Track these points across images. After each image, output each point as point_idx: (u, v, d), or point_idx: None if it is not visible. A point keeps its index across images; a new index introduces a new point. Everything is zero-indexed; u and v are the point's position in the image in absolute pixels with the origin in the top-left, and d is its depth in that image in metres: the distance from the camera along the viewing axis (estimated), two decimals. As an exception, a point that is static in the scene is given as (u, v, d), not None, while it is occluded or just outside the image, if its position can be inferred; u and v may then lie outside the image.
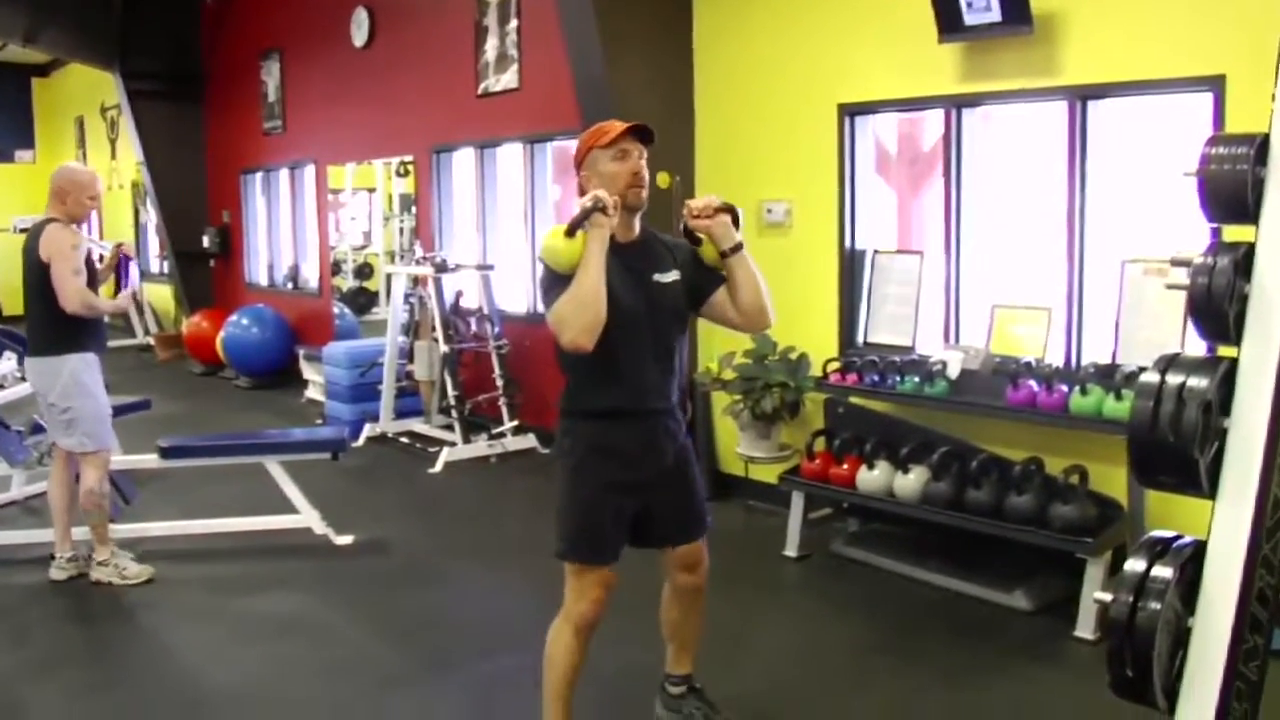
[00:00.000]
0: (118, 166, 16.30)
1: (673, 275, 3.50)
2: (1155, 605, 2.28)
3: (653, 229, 3.58)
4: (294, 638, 4.92)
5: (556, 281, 3.28)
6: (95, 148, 17.14)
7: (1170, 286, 2.59)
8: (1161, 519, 4.44)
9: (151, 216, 14.64)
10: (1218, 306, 2.39)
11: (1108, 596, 2.37)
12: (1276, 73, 2.48)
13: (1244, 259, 2.41)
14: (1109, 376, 4.72)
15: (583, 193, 3.39)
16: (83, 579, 5.55)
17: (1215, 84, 4.56)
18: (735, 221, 3.48)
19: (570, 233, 3.22)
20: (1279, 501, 2.34)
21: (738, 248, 3.46)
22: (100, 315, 5.45)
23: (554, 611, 3.51)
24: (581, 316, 3.21)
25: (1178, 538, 2.42)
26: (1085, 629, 4.61)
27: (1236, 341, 2.41)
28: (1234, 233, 2.61)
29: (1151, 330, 4.79)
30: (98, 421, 5.48)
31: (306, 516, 6.11)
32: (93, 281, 5.47)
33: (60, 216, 5.40)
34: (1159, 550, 2.37)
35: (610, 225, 3.27)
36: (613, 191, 3.33)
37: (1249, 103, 4.34)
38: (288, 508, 6.12)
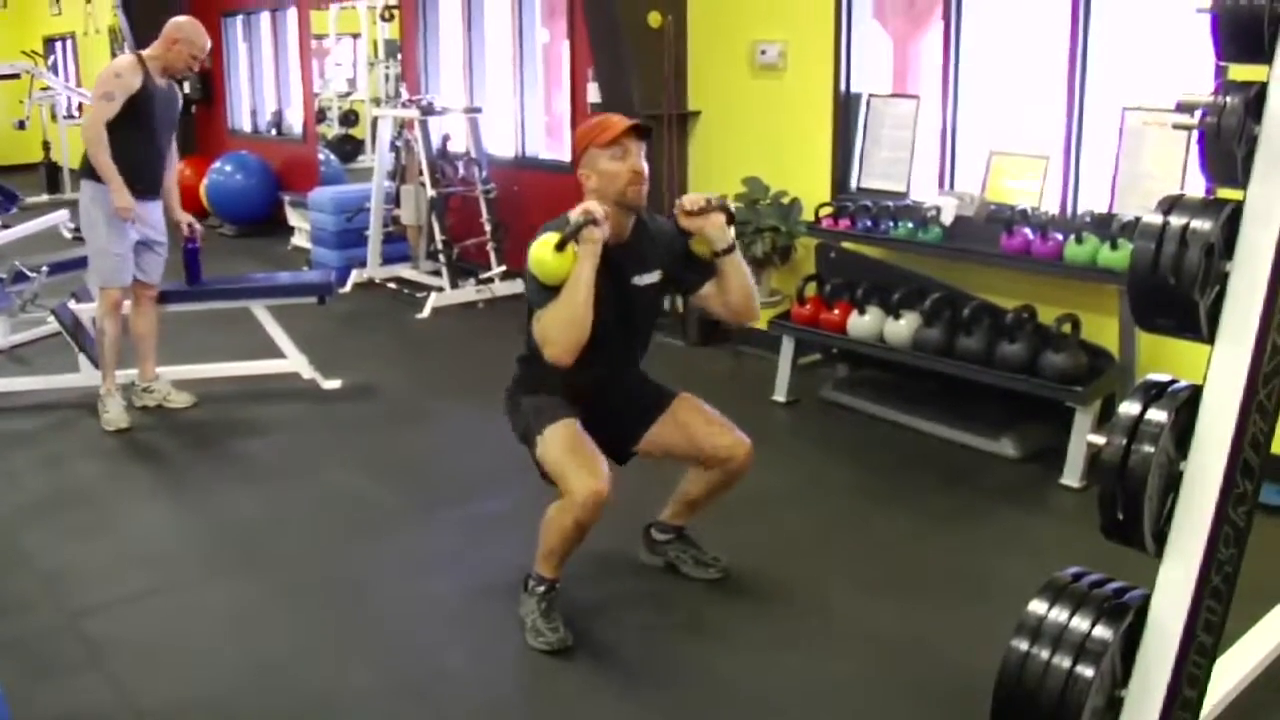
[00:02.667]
0: (93, 11, 15.86)
1: (653, 276, 3.52)
2: (1149, 448, 2.27)
3: (646, 217, 3.52)
4: (285, 479, 4.95)
5: (543, 288, 3.26)
6: (70, -9, 16.70)
7: (1177, 126, 2.53)
8: (1152, 370, 4.42)
9: (130, 61, 14.30)
10: (1226, 146, 2.33)
11: (1100, 439, 2.36)
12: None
13: (1255, 99, 2.34)
14: (1105, 226, 4.66)
15: (581, 189, 3.39)
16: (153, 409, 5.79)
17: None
18: (729, 219, 3.47)
19: (561, 246, 3.18)
20: (1277, 347, 2.31)
21: (730, 249, 3.46)
22: (97, 164, 5.33)
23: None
24: (566, 334, 3.22)
25: (1173, 382, 2.40)
26: (1072, 477, 4.64)
27: (1243, 184, 2.35)
28: (1240, 75, 2.54)
29: (1149, 180, 4.72)
30: (101, 257, 5.48)
31: (294, 361, 6.09)
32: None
33: (156, 56, 5.37)
34: (1154, 393, 2.35)
35: (602, 236, 3.23)
36: (612, 190, 3.32)
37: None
38: (276, 353, 6.10)
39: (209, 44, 5.54)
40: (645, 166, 3.39)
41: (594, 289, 3.22)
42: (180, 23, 5.38)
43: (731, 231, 3.48)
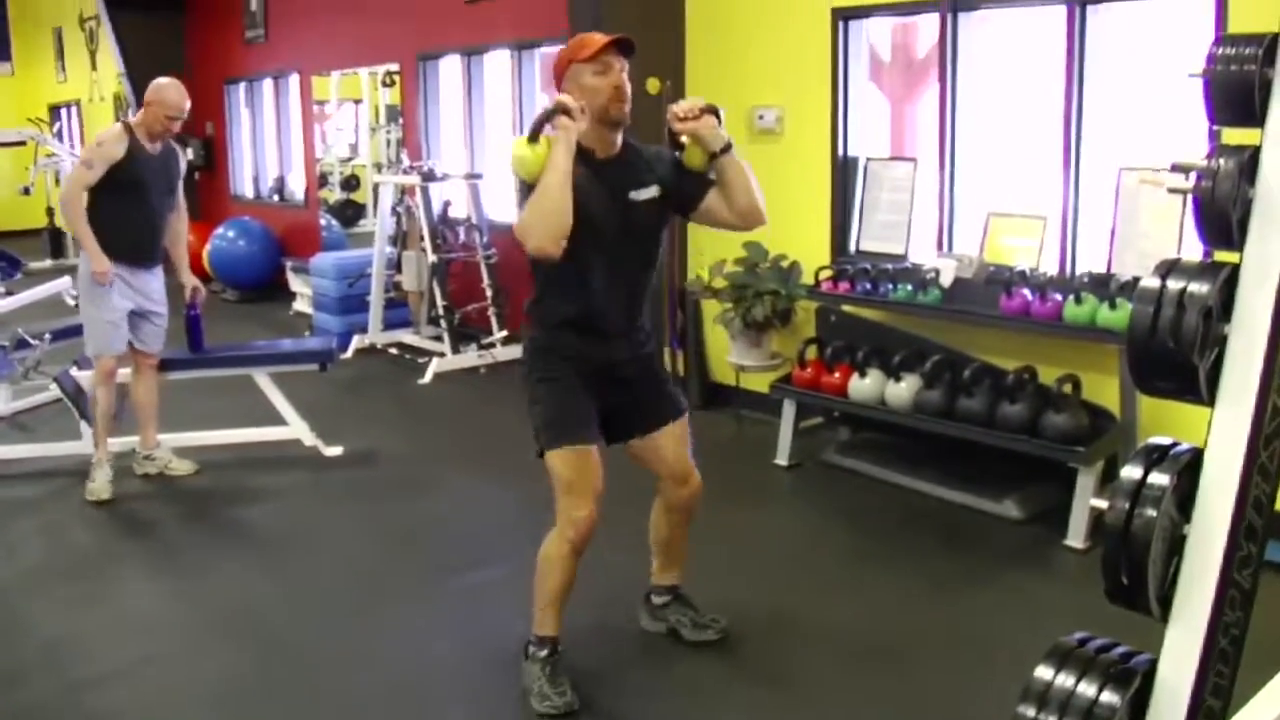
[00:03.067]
0: (98, 79, 16.02)
1: (651, 192, 3.46)
2: (1152, 512, 2.25)
3: (635, 141, 3.51)
4: (284, 548, 4.93)
5: (526, 190, 3.25)
6: (74, 60, 16.84)
7: (1172, 190, 2.53)
8: (1153, 430, 4.41)
9: (134, 129, 14.43)
10: (1222, 209, 2.34)
11: (1104, 503, 2.34)
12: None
13: (1249, 162, 2.35)
14: (1103, 285, 4.68)
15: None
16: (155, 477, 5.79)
17: (1218, -16, 4.47)
18: (719, 121, 3.43)
19: (533, 138, 3.18)
20: (1277, 409, 2.31)
21: (728, 148, 3.41)
22: (73, 230, 5.39)
23: (543, 521, 3.51)
24: (545, 222, 3.19)
25: (1175, 444, 2.39)
26: (1076, 538, 4.62)
27: (1239, 246, 2.36)
28: (1233, 138, 2.56)
29: (1146, 240, 4.74)
30: (91, 324, 5.51)
31: (296, 428, 6.09)
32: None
33: (140, 122, 5.43)
34: (1156, 457, 2.34)
35: (577, 130, 3.22)
36: (594, 105, 3.30)
37: (1250, 6, 4.27)
38: (277, 419, 6.09)
39: (187, 104, 5.51)
40: (628, 83, 3.36)
41: (591, 206, 3.25)
42: (158, 84, 5.41)
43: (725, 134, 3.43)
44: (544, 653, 3.50)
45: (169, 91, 5.39)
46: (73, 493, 5.60)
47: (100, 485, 5.48)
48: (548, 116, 3.20)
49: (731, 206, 3.47)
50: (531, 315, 3.54)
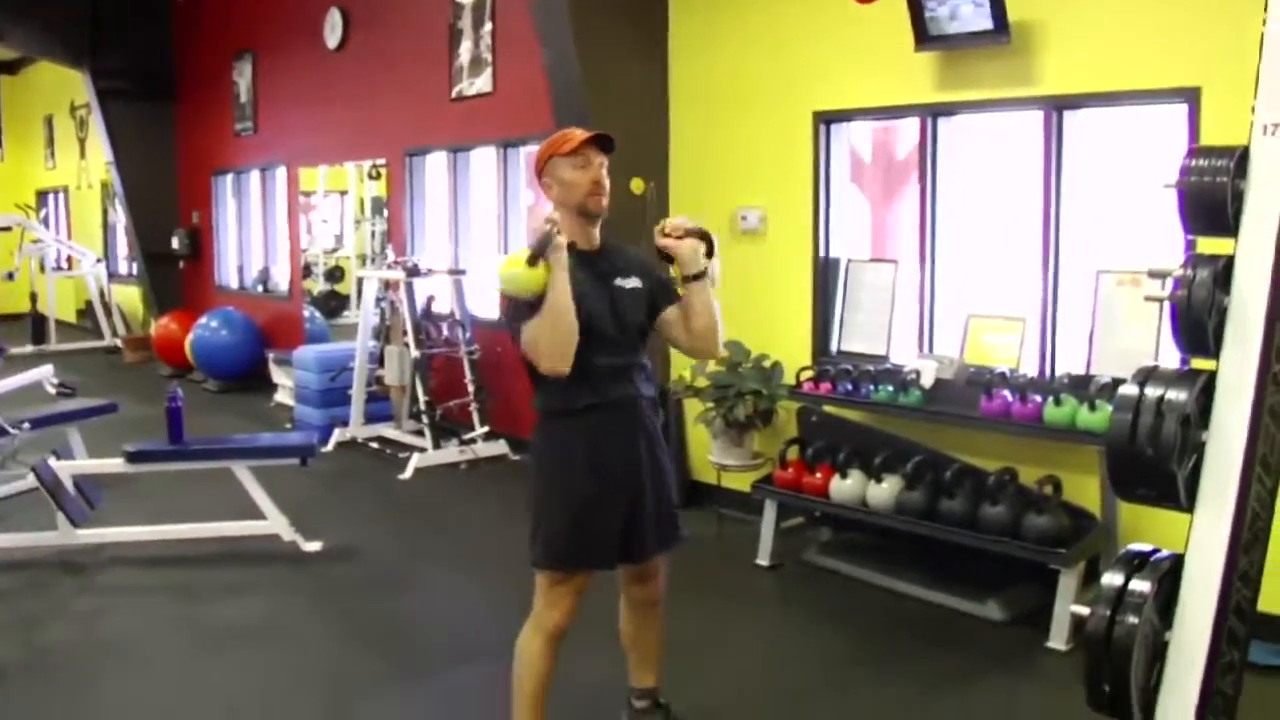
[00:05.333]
0: (87, 166, 16.16)
1: (634, 282, 3.50)
2: (1133, 619, 2.27)
3: (614, 240, 3.56)
4: (262, 646, 4.86)
5: (522, 306, 3.25)
6: (64, 147, 16.99)
7: (1149, 299, 2.58)
8: (1135, 531, 4.44)
9: (121, 217, 14.52)
10: (1197, 318, 2.38)
11: (1084, 610, 2.35)
12: (1256, 86, 2.47)
13: (1223, 271, 2.40)
14: (1083, 387, 4.71)
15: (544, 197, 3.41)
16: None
17: (1190, 95, 4.56)
18: (710, 248, 3.47)
19: (533, 261, 3.18)
20: (1256, 515, 2.33)
21: (700, 275, 3.45)
22: None
23: (524, 620, 3.48)
24: (556, 342, 3.22)
25: (1155, 551, 2.41)
26: (1058, 640, 4.60)
27: (1215, 354, 2.40)
28: (1209, 245, 2.61)
29: (1125, 341, 4.79)
30: None
31: (275, 522, 6.04)
32: None
33: None
34: (1136, 564, 2.36)
35: (564, 241, 3.25)
36: (573, 199, 3.36)
37: (1224, 114, 4.37)
38: (256, 513, 6.05)
39: None
40: (606, 178, 3.40)
41: (584, 293, 3.27)
42: None
43: (714, 265, 3.45)
44: None
45: None
46: (47, 586, 5.54)
47: None
48: (547, 239, 3.19)
49: (688, 326, 3.51)
50: (543, 409, 3.48)
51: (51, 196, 17.96)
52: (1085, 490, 4.83)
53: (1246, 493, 2.31)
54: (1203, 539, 2.34)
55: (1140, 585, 2.31)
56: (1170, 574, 2.35)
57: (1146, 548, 2.41)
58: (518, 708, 3.46)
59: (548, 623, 3.41)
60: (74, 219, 17.13)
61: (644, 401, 3.53)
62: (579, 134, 3.40)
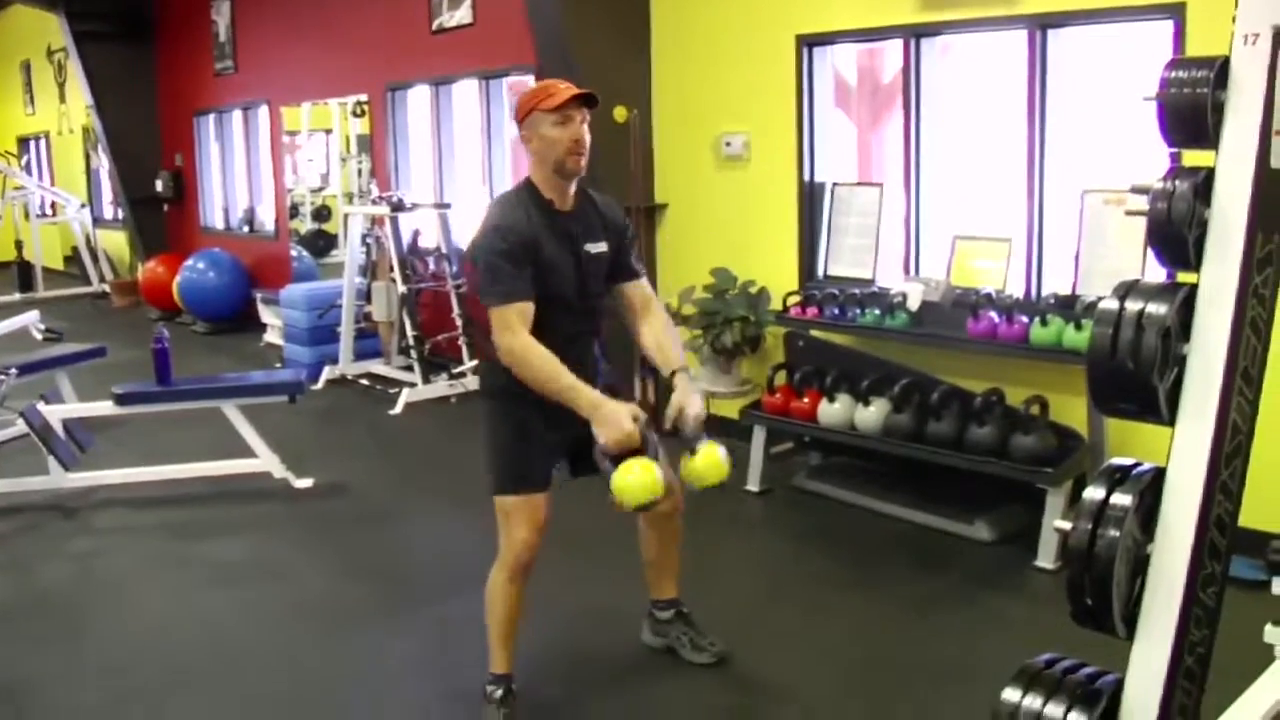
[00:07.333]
0: (67, 111, 15.97)
1: (601, 246, 3.51)
2: (1114, 533, 2.27)
3: (590, 191, 3.55)
4: (255, 581, 4.89)
5: (501, 273, 3.26)
6: (43, 92, 16.78)
7: (1130, 213, 2.56)
8: (1121, 449, 4.46)
9: (103, 162, 14.38)
10: (1177, 231, 2.36)
11: (1067, 525, 2.36)
12: (1236, -4, 2.44)
13: (1203, 184, 2.38)
14: (1069, 307, 4.71)
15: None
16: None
17: (1175, 12, 4.52)
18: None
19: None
20: (1237, 427, 2.33)
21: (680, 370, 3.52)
22: None
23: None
24: (526, 380, 3.28)
25: (1137, 465, 2.40)
26: (1045, 559, 4.63)
27: (1196, 267, 2.38)
28: (1193, 159, 2.59)
29: (1111, 261, 4.78)
30: None
31: (266, 460, 6.06)
32: None
33: None
34: (1118, 478, 2.36)
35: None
36: (551, 156, 3.34)
37: (1208, 30, 4.32)
38: (246, 453, 6.06)
39: None
40: (587, 136, 3.37)
41: (552, 256, 3.33)
42: None
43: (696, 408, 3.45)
44: (499, 693, 3.51)
45: None
46: (40, 528, 5.56)
47: None
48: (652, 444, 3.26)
49: (632, 321, 3.61)
50: (495, 358, 3.48)
51: (32, 143, 17.78)
52: (1072, 410, 4.85)
53: (1227, 406, 2.30)
54: (1184, 452, 2.34)
55: (1122, 499, 2.31)
56: (1152, 487, 2.35)
57: (1128, 461, 2.41)
58: (491, 643, 3.55)
59: (507, 557, 3.45)
60: (56, 165, 16.96)
61: (600, 365, 3.61)
62: (562, 90, 3.33)
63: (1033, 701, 2.29)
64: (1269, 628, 3.30)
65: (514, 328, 3.27)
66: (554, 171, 3.36)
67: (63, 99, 16.09)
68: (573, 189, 3.45)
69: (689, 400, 3.41)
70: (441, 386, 7.97)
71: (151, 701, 3.85)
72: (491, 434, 3.52)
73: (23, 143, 17.92)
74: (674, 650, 3.94)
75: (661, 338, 3.57)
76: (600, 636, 4.16)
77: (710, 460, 3.41)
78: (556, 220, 3.38)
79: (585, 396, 3.24)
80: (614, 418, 3.20)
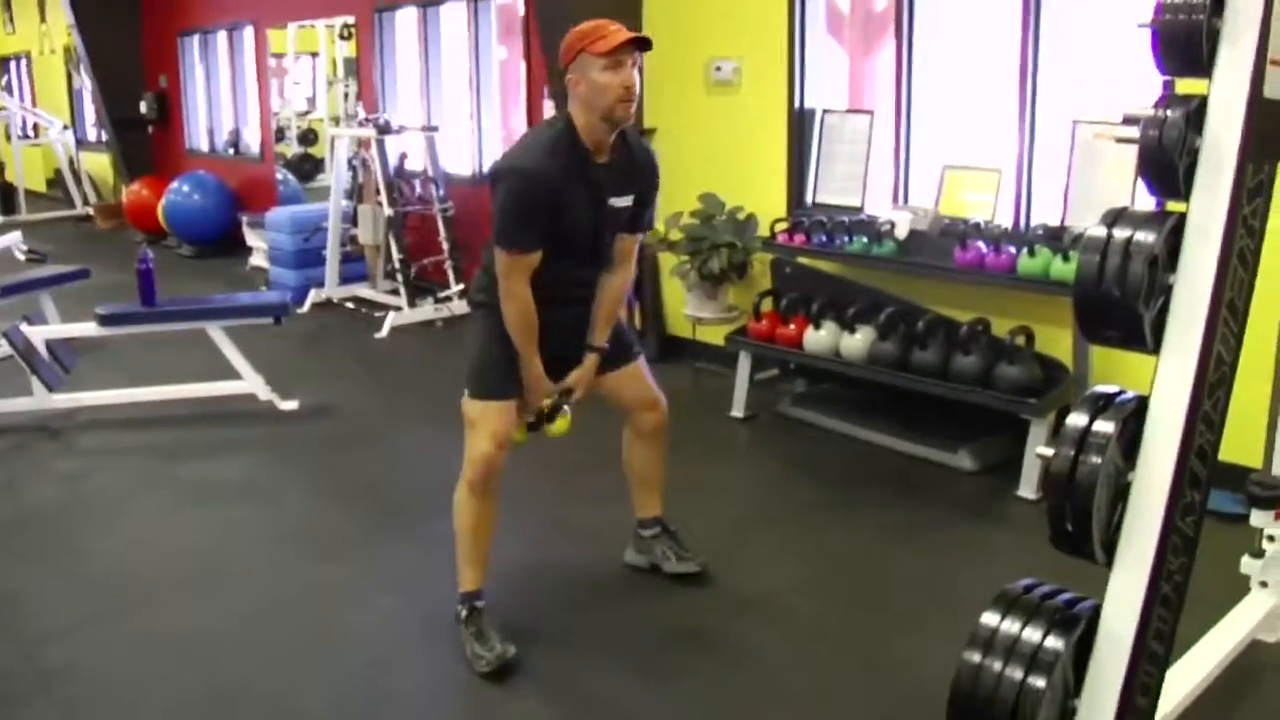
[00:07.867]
0: (48, 31, 15.74)
1: (627, 200, 3.46)
2: (1096, 459, 2.28)
3: (628, 135, 3.43)
4: (242, 502, 4.91)
5: (515, 219, 3.25)
6: (23, 11, 16.53)
7: (1120, 140, 2.55)
8: (1106, 380, 4.45)
9: (86, 83, 14.19)
10: (1168, 159, 2.35)
11: (1049, 451, 2.37)
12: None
13: (1196, 112, 2.36)
14: (1057, 238, 4.70)
15: (558, 95, 3.40)
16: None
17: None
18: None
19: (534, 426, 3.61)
20: (1221, 358, 2.33)
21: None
22: None
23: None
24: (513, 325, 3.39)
25: (1120, 393, 2.41)
26: (1028, 489, 4.66)
27: (1185, 196, 2.37)
28: (1186, 88, 2.57)
29: (1101, 193, 4.76)
30: None
31: (251, 382, 6.05)
32: None
33: None
34: (1101, 405, 2.37)
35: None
36: (600, 103, 3.21)
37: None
38: (232, 375, 6.05)
39: None
40: (638, 81, 3.26)
41: (574, 207, 3.30)
42: None
43: None
44: (465, 611, 3.53)
45: None
46: (26, 448, 5.56)
47: None
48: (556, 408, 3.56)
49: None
50: (489, 279, 3.48)
51: (13, 63, 17.54)
52: (1058, 342, 4.86)
53: (1212, 336, 2.30)
54: (1167, 381, 2.34)
55: (1104, 426, 2.32)
56: (1134, 415, 2.36)
57: (1112, 389, 2.42)
58: (459, 562, 3.59)
59: (468, 470, 3.49)
60: (38, 86, 16.78)
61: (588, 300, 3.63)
62: (616, 32, 3.19)
63: (1011, 625, 2.30)
64: (1245, 559, 3.36)
65: (512, 277, 3.29)
66: (601, 119, 3.23)
67: (43, 18, 15.84)
68: (613, 139, 3.33)
69: (581, 385, 3.58)
70: (427, 310, 7.96)
71: (140, 615, 3.87)
72: (479, 343, 3.54)
73: (3, 63, 17.68)
74: (657, 567, 3.97)
75: (608, 308, 3.60)
76: (582, 556, 4.20)
77: (565, 423, 3.62)
78: (589, 171, 3.30)
79: (529, 364, 3.44)
80: (532, 395, 3.51)
